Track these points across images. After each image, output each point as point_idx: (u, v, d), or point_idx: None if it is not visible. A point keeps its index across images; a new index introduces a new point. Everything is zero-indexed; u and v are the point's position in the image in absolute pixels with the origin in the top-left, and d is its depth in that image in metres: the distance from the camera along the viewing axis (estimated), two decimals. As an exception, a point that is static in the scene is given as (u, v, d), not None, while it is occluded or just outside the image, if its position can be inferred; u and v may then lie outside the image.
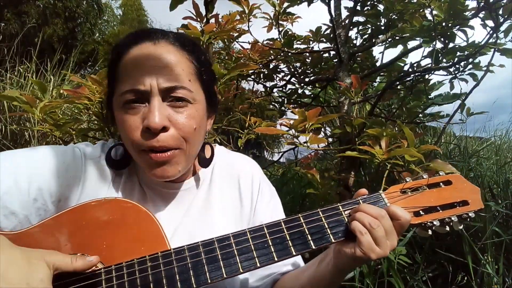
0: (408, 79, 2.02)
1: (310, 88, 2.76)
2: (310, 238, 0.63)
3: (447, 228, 0.69)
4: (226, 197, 0.83)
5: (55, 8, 10.31)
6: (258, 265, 0.61)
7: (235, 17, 1.65)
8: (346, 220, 0.66)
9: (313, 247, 0.63)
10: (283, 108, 2.76)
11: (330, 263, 0.69)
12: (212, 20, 1.54)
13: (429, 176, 0.73)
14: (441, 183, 0.72)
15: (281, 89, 2.59)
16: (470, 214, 0.69)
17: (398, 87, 2.22)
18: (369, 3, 2.08)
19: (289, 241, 0.63)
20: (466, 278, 1.69)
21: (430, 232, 0.69)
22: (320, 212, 0.66)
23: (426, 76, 1.97)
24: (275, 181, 2.74)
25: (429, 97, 2.13)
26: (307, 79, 2.43)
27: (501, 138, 3.40)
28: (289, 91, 2.61)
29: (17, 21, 9.09)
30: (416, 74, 1.86)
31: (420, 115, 2.20)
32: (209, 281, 0.59)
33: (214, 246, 0.62)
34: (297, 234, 0.64)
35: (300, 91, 2.62)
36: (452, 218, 0.68)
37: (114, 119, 0.74)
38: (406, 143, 1.17)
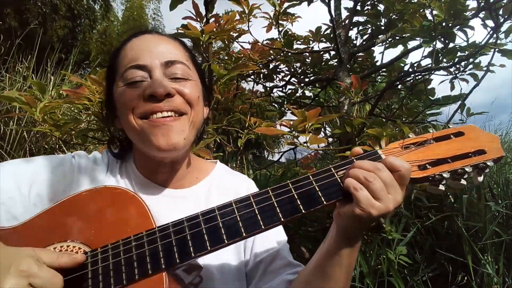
0: (408, 79, 2.02)
1: (310, 88, 2.76)
2: (299, 202, 0.59)
3: (463, 182, 0.60)
4: None
5: (53, 6, 10.30)
6: (244, 234, 0.58)
7: (235, 17, 1.65)
8: (340, 180, 0.60)
9: (303, 211, 0.58)
10: (283, 108, 2.76)
11: (334, 233, 0.64)
12: (212, 20, 1.54)
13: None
14: (451, 135, 0.63)
15: (281, 89, 2.59)
16: (488, 163, 0.59)
17: (398, 87, 2.22)
18: (369, 3, 2.08)
19: (277, 208, 0.59)
20: (466, 278, 1.69)
21: (442, 187, 0.60)
22: (310, 177, 0.61)
23: (426, 76, 1.97)
24: (275, 181, 2.74)
25: (430, 98, 2.12)
26: (307, 79, 2.43)
27: (501, 138, 3.40)
28: (289, 91, 2.61)
29: (18, 20, 9.08)
30: (416, 74, 1.86)
31: (420, 115, 2.20)
32: (192, 255, 0.57)
33: (198, 220, 0.60)
34: (286, 200, 0.59)
35: (300, 91, 2.62)
36: (466, 169, 0.59)
37: (114, 111, 0.76)
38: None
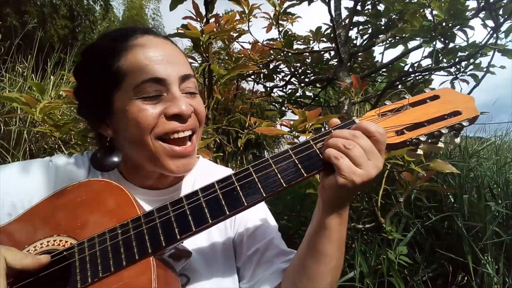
0: (409, 79, 2.02)
1: (310, 88, 2.76)
2: (280, 176, 0.59)
3: (441, 145, 0.62)
4: None
5: (54, 6, 10.30)
6: (228, 213, 0.57)
7: (235, 17, 1.65)
8: (319, 152, 0.60)
9: (284, 185, 0.58)
10: (283, 108, 2.76)
11: (320, 207, 0.64)
12: (212, 20, 1.54)
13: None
14: (427, 100, 0.65)
15: (281, 89, 2.59)
16: (464, 124, 0.60)
17: (399, 87, 2.22)
18: (369, 3, 2.08)
19: (258, 183, 0.59)
20: (466, 278, 1.69)
21: (420, 151, 0.62)
22: (289, 150, 0.62)
23: (427, 77, 1.97)
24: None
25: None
26: (307, 79, 2.43)
27: (501, 138, 3.40)
28: (289, 91, 2.62)
29: (18, 20, 9.08)
30: (417, 74, 1.86)
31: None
32: (178, 237, 0.57)
33: (182, 203, 0.60)
34: (266, 175, 0.60)
35: (300, 91, 2.63)
36: (442, 131, 0.60)
37: (105, 115, 0.70)
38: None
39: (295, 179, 0.59)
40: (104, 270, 0.56)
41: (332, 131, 0.61)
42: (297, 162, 0.60)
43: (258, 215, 0.79)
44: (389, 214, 1.49)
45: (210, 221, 0.57)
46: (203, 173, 0.83)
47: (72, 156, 0.79)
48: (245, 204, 0.58)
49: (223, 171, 0.87)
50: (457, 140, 0.62)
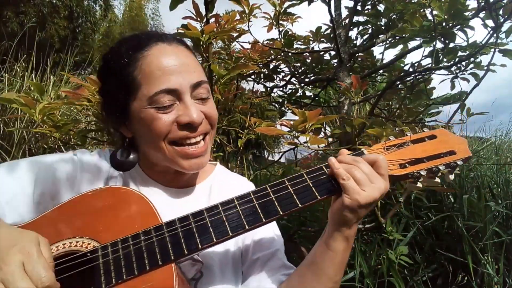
0: (409, 79, 2.02)
1: (310, 88, 2.76)
2: (296, 197, 0.65)
3: (437, 180, 0.69)
4: None
5: (55, 7, 10.29)
6: (247, 227, 0.63)
7: (235, 17, 1.65)
8: (328, 176, 0.68)
9: (300, 205, 0.65)
10: (283, 108, 2.76)
11: (329, 229, 0.69)
12: (212, 20, 1.54)
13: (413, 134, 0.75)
14: (426, 138, 0.73)
15: (281, 89, 2.59)
16: (458, 163, 0.68)
17: (399, 87, 2.21)
18: (369, 3, 2.08)
19: (275, 203, 0.65)
20: (466, 278, 1.69)
21: (420, 184, 0.69)
22: (304, 174, 0.69)
23: (426, 76, 1.97)
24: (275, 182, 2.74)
25: (431, 97, 2.12)
26: (307, 79, 2.43)
27: (501, 138, 3.40)
28: (289, 91, 2.61)
29: (17, 20, 9.07)
30: (417, 74, 1.86)
31: (420, 115, 2.19)
32: (199, 246, 0.61)
33: (203, 216, 0.64)
34: (284, 196, 0.66)
35: (300, 91, 2.62)
36: (440, 167, 0.68)
37: (124, 119, 0.75)
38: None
39: (309, 200, 0.66)
40: (128, 273, 0.59)
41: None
42: (311, 186, 0.67)
43: (268, 226, 0.83)
44: (389, 214, 1.49)
45: (231, 234, 0.63)
46: (220, 180, 0.88)
47: (95, 151, 0.84)
48: (264, 220, 0.64)
49: (239, 180, 0.93)
50: (451, 177, 0.70)
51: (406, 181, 0.73)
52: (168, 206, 0.78)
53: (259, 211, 0.64)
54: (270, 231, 0.84)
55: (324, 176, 0.68)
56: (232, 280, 0.77)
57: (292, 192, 0.66)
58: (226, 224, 0.63)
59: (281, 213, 0.64)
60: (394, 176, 0.68)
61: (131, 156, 0.77)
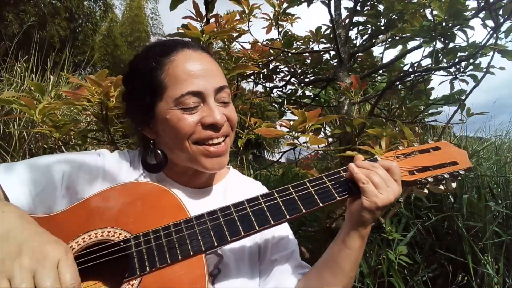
0: (409, 79, 2.02)
1: (310, 88, 2.76)
2: (317, 197, 0.72)
3: (442, 187, 0.77)
4: None
5: (55, 8, 10.30)
6: (272, 222, 0.68)
7: (235, 17, 1.65)
8: (346, 179, 0.75)
9: (321, 204, 0.71)
10: (283, 108, 2.76)
11: (346, 228, 0.75)
12: (212, 20, 1.54)
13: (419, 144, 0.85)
14: (430, 149, 0.83)
15: (281, 89, 2.59)
16: (460, 172, 0.77)
17: (398, 87, 2.21)
18: (369, 3, 2.08)
19: (298, 201, 0.71)
20: (466, 278, 1.69)
21: (426, 190, 0.77)
22: (324, 176, 0.76)
23: (426, 76, 1.97)
24: (275, 182, 2.74)
25: (430, 98, 2.12)
26: (307, 80, 2.43)
27: (501, 138, 3.39)
28: (289, 91, 2.61)
29: (17, 20, 9.07)
30: (416, 74, 1.86)
31: (420, 115, 2.19)
32: (229, 239, 0.66)
33: (230, 210, 0.69)
34: (306, 196, 0.72)
35: (300, 91, 2.62)
36: (445, 175, 0.76)
37: (149, 120, 0.79)
38: (406, 143, 1.17)
39: (329, 200, 0.72)
40: (161, 261, 0.62)
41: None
42: (331, 187, 0.74)
43: (283, 227, 0.89)
44: (389, 214, 1.49)
45: (257, 228, 0.68)
46: (235, 182, 0.93)
47: (115, 151, 0.88)
48: (287, 217, 0.69)
49: (253, 182, 0.98)
50: (453, 185, 0.78)
51: (412, 187, 0.80)
52: (187, 204, 0.81)
53: (283, 208, 0.70)
54: (287, 232, 0.88)
55: (342, 179, 0.75)
56: (249, 275, 0.81)
57: (313, 192, 0.72)
58: (252, 218, 0.68)
59: (304, 210, 0.70)
60: (405, 182, 0.76)
61: (161, 161, 0.81)
